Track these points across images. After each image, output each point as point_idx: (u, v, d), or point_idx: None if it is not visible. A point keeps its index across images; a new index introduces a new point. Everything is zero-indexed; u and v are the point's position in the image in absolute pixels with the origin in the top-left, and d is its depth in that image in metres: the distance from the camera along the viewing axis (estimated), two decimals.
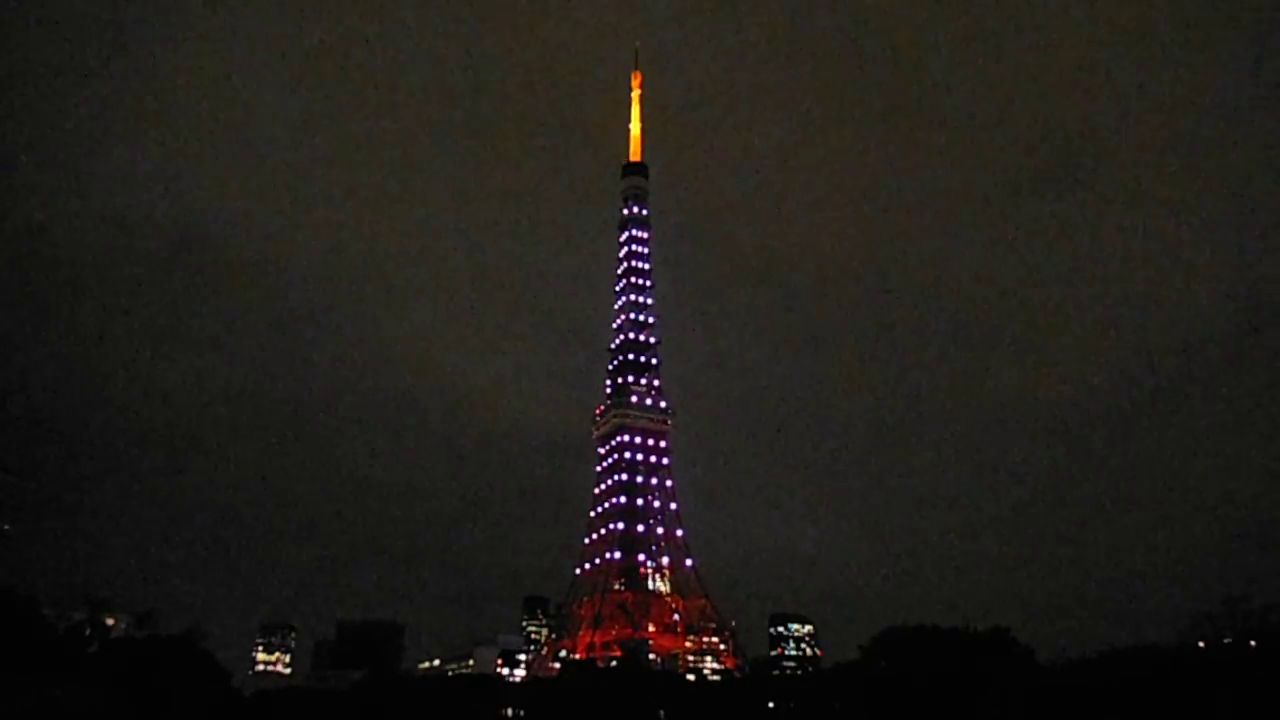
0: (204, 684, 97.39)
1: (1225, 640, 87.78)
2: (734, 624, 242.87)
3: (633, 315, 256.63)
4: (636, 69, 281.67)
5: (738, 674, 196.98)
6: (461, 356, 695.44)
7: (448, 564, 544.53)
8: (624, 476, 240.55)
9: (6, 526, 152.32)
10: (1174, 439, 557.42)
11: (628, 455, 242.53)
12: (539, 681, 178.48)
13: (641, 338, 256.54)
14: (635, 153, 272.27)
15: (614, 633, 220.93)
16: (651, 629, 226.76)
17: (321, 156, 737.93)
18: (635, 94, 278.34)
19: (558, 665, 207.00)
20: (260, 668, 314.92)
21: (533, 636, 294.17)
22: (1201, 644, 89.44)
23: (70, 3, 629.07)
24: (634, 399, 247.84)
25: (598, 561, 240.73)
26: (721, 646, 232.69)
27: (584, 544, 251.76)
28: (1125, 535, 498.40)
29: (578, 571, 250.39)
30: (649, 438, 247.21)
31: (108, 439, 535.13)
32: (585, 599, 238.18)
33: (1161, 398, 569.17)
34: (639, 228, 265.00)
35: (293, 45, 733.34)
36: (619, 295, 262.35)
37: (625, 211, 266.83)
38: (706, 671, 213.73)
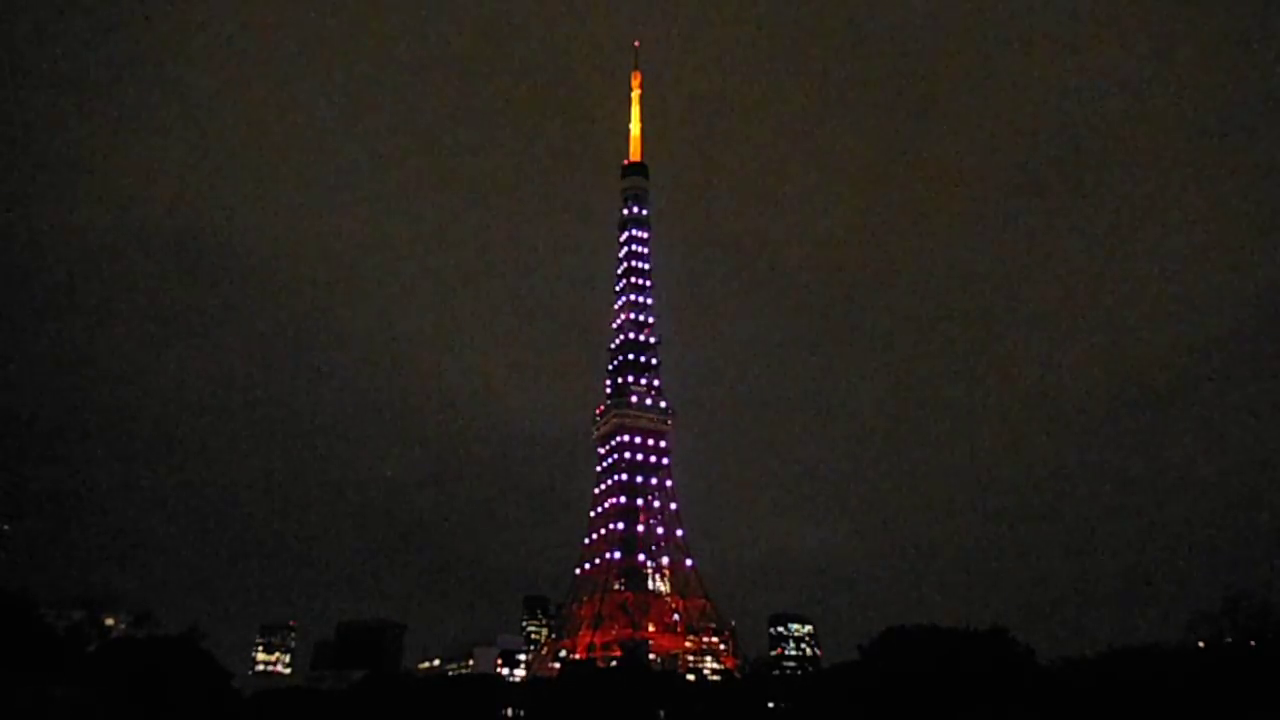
0: (204, 684, 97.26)
1: (1225, 640, 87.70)
2: (734, 624, 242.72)
3: (633, 315, 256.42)
4: (636, 69, 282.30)
5: (738, 674, 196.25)
6: (462, 356, 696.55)
7: (448, 564, 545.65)
8: (624, 476, 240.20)
9: (6, 527, 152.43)
10: (1175, 439, 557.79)
11: (628, 455, 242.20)
12: (539, 681, 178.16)
13: (641, 338, 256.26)
14: (635, 153, 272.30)
15: (614, 633, 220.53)
16: (651, 629, 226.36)
17: (323, 158, 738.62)
18: (635, 94, 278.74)
19: (558, 665, 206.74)
20: (260, 668, 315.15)
21: (533, 636, 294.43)
22: (1201, 644, 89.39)
23: (72, 3, 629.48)
24: (634, 399, 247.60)
25: (598, 561, 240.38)
26: (721, 646, 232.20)
27: (584, 544, 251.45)
28: (1125, 535, 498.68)
29: (578, 571, 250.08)
30: (649, 438, 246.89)
31: (108, 439, 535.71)
32: (585, 599, 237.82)
33: (1163, 398, 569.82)
34: (639, 228, 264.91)
35: (294, 49, 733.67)
36: (619, 295, 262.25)
37: (625, 211, 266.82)
38: (706, 671, 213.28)
